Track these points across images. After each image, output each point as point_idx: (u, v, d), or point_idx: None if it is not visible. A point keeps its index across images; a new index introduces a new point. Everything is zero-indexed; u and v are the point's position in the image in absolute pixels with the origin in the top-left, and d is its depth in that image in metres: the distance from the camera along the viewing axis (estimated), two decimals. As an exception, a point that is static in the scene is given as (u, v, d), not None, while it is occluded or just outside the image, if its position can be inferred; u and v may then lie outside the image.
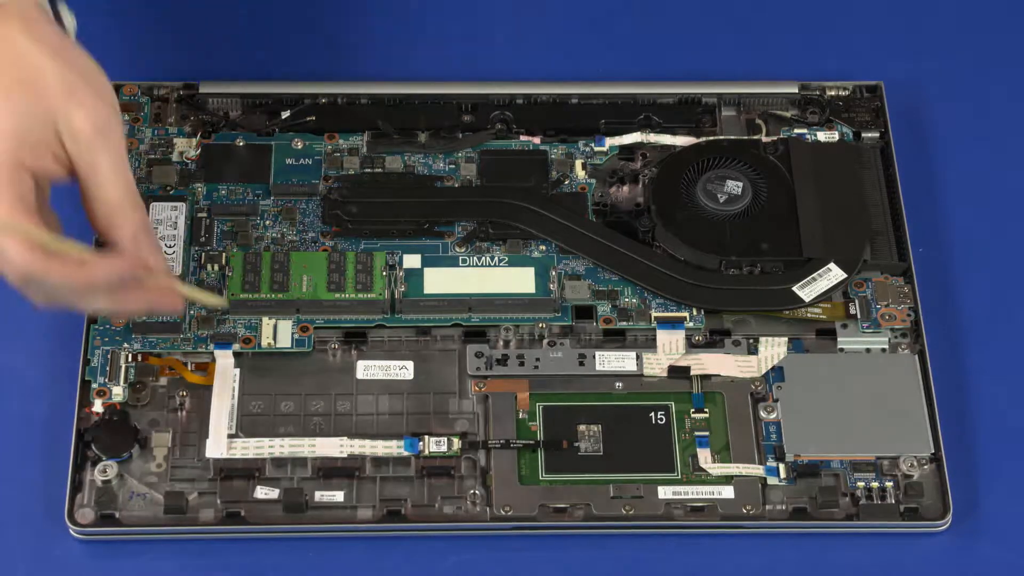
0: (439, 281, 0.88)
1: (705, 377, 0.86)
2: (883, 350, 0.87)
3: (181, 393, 0.85)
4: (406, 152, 0.93)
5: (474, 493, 0.83)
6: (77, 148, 0.77)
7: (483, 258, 0.89)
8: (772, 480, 0.83)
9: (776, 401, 0.86)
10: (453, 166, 0.92)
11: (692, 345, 0.87)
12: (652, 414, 0.85)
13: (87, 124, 0.77)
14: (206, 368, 0.86)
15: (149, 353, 0.86)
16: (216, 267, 0.88)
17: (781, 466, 0.84)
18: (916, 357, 0.87)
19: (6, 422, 0.85)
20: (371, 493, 0.83)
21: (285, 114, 0.94)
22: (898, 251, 0.90)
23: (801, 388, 0.86)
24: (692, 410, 0.85)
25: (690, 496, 0.83)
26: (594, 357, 0.86)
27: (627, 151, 0.93)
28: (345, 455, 0.83)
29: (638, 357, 0.86)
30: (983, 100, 0.97)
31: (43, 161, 0.77)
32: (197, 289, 0.84)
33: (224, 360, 0.85)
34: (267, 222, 0.90)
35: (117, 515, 0.81)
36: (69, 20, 0.83)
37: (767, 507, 0.83)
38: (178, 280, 0.83)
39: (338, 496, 0.82)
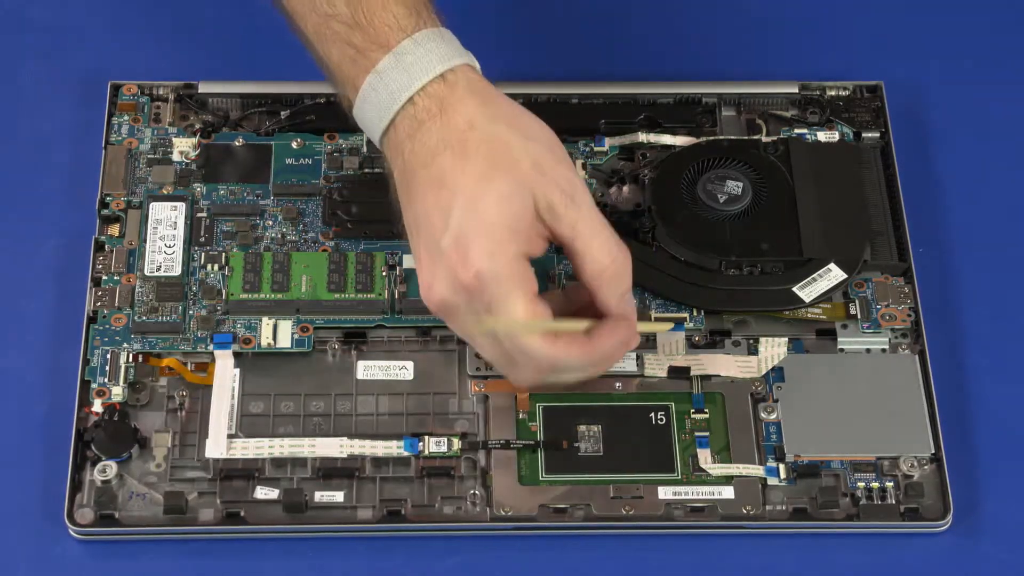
0: (439, 281, 0.88)
1: (705, 377, 0.86)
2: (883, 350, 0.87)
3: (181, 393, 0.85)
4: (406, 152, 0.93)
5: (474, 493, 0.83)
6: (556, 221, 0.77)
7: (483, 258, 0.89)
8: (772, 480, 0.83)
9: (776, 401, 0.85)
10: (453, 166, 0.92)
11: (692, 345, 0.87)
12: (652, 414, 0.85)
13: (561, 196, 0.76)
14: (206, 368, 0.86)
15: (149, 353, 0.86)
16: (216, 267, 0.88)
17: (781, 466, 0.84)
18: (916, 357, 0.87)
19: (6, 422, 0.85)
20: (371, 493, 0.83)
21: (285, 114, 0.93)
22: (898, 251, 0.90)
23: (801, 388, 0.86)
24: (692, 410, 0.85)
25: (690, 496, 0.83)
26: (594, 357, 0.86)
27: (627, 151, 0.93)
28: (345, 455, 0.83)
29: (638, 357, 0.86)
30: (983, 100, 0.97)
31: (533, 244, 0.77)
32: (560, 321, 0.80)
33: (224, 360, 0.85)
34: (268, 222, 0.90)
35: (117, 515, 0.81)
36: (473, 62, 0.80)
37: (767, 507, 0.83)
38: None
39: (338, 496, 0.82)
